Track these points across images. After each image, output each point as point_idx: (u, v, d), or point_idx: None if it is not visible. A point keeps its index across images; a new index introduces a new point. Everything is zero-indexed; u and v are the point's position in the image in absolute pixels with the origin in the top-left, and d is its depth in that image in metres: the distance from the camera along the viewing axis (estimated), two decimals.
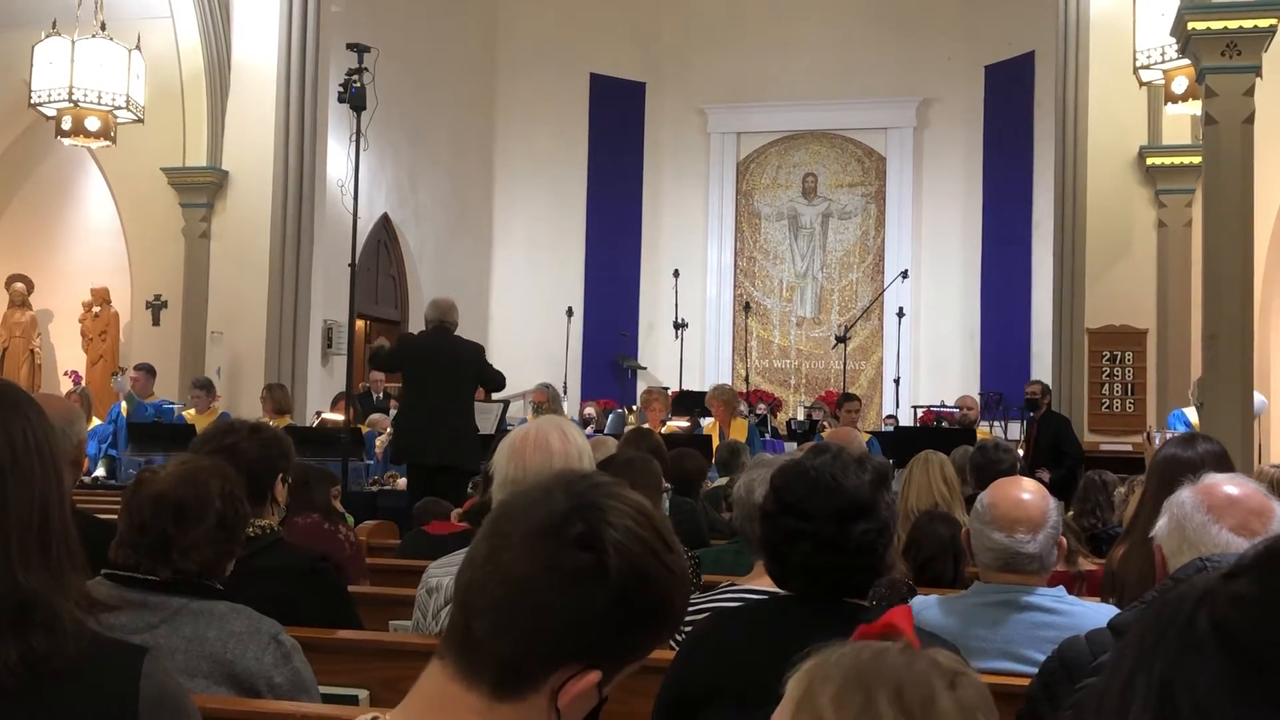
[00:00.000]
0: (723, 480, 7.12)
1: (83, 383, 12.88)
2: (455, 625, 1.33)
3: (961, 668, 1.16)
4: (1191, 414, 10.07)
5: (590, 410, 14.00)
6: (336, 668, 3.05)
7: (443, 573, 3.15)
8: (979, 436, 9.99)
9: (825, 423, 12.74)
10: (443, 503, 6.30)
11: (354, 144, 9.16)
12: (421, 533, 5.35)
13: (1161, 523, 2.51)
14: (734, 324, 17.90)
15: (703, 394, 12.07)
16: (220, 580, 2.51)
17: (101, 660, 1.56)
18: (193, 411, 11.00)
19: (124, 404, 10.94)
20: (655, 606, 1.32)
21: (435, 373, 8.22)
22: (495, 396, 10.06)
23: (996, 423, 14.13)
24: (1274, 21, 7.75)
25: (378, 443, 10.90)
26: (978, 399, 11.04)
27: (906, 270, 16.23)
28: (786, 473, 2.43)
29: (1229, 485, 2.48)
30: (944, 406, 14.83)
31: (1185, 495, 2.48)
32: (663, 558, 1.32)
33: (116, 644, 1.63)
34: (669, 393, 12.79)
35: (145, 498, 2.46)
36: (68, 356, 13.79)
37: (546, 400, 11.01)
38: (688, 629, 2.57)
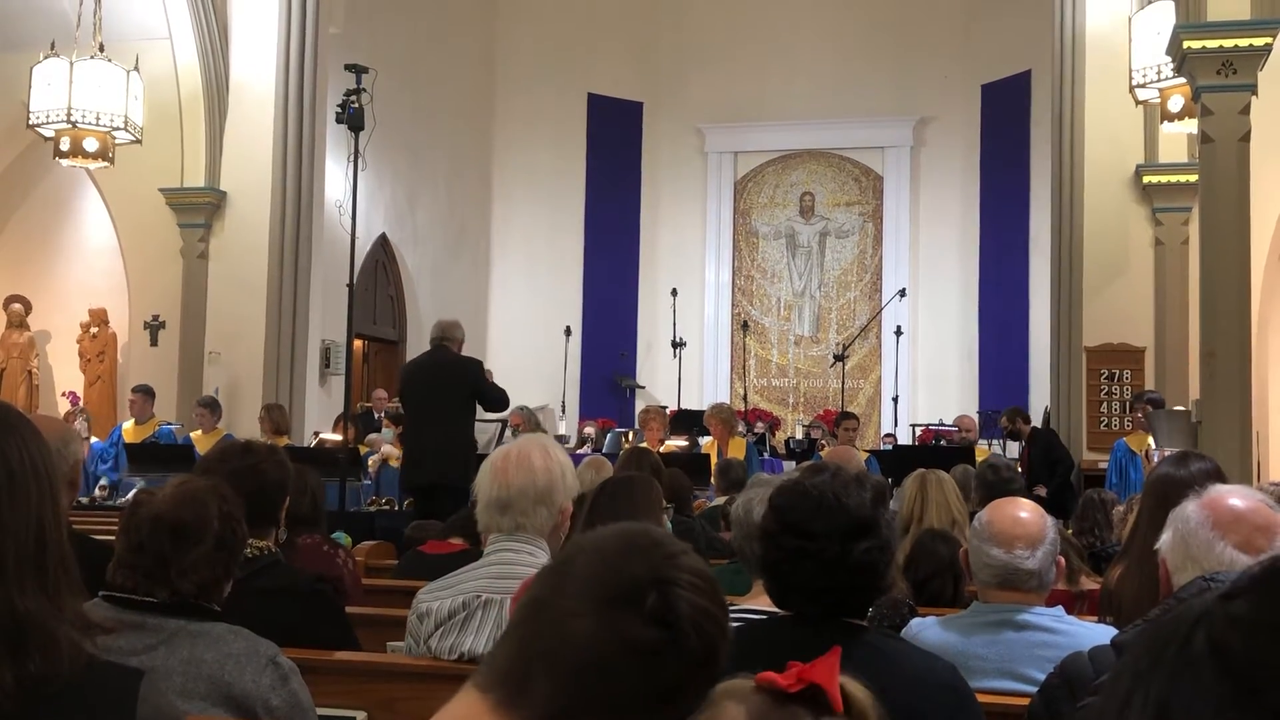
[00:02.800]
0: (721, 499, 7.11)
1: (80, 403, 12.87)
2: (511, 669, 1.30)
3: None
4: (1132, 442, 10.10)
5: (590, 430, 14.00)
6: (334, 689, 3.04)
7: (432, 598, 3.13)
8: (978, 455, 9.99)
9: (824, 441, 12.73)
10: (431, 525, 6.26)
11: (352, 164, 9.19)
12: (418, 553, 5.32)
13: (1166, 536, 2.47)
14: (732, 343, 17.91)
15: (701, 413, 12.07)
16: (218, 601, 2.50)
17: (99, 683, 1.55)
18: (199, 432, 10.99)
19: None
20: (714, 675, 1.32)
21: (429, 391, 8.21)
22: (495, 415, 10.03)
23: (995, 441, 14.13)
24: (1269, 40, 7.78)
25: (371, 462, 10.88)
26: (976, 418, 11.06)
27: (904, 289, 16.26)
28: (787, 492, 2.42)
29: (1235, 498, 2.43)
30: (943, 425, 14.82)
31: (1190, 509, 2.43)
32: (726, 628, 1.33)
33: (113, 667, 1.63)
34: (667, 412, 12.79)
35: (143, 518, 2.45)
36: (65, 377, 13.78)
37: (523, 423, 11.04)
38: None
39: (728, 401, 14.42)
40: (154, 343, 12.67)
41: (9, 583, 1.48)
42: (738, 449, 10.15)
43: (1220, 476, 3.35)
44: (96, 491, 10.27)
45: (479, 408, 8.42)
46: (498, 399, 8.45)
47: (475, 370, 8.50)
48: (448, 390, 8.23)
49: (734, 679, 1.28)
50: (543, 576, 1.36)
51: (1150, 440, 10.00)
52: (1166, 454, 4.90)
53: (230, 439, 3.85)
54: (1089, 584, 4.57)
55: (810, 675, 1.22)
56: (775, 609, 2.62)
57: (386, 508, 9.79)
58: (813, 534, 2.31)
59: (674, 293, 16.79)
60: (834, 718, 1.22)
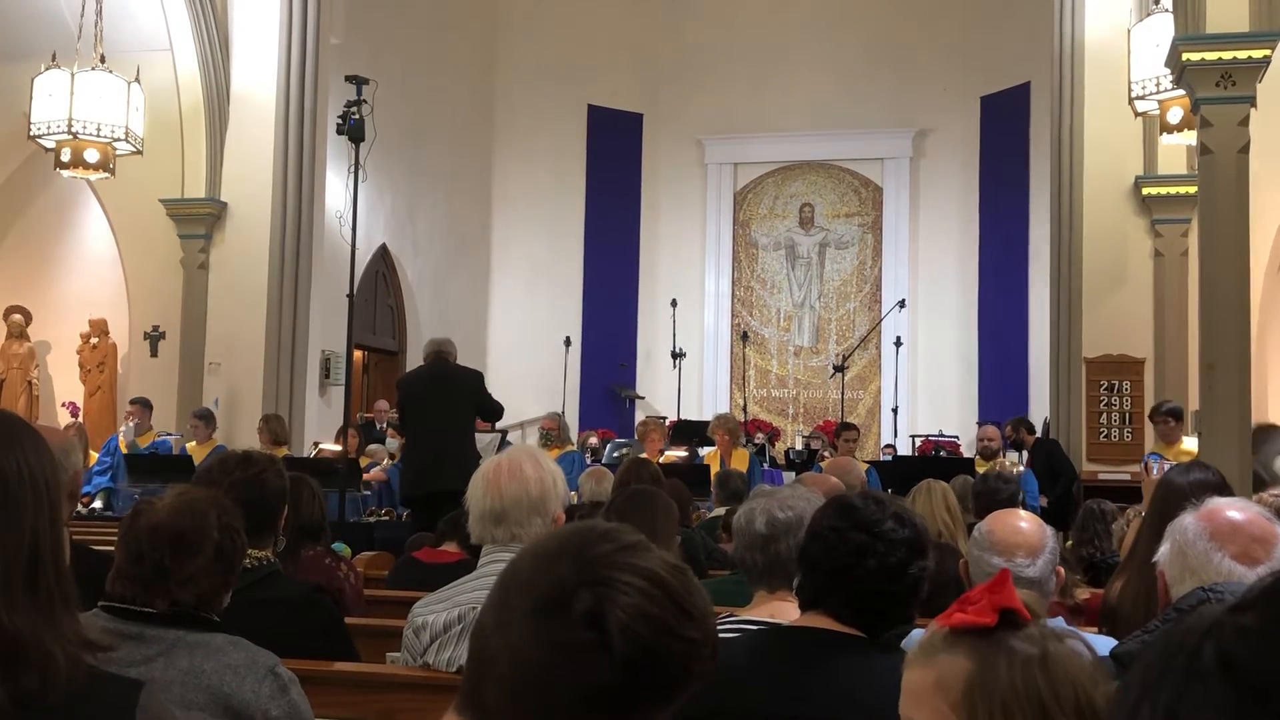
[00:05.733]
0: (720, 510, 7.09)
1: (79, 415, 12.85)
2: (471, 687, 1.31)
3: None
4: (1165, 452, 10.06)
5: (593, 440, 13.99)
6: (333, 700, 3.04)
7: (428, 611, 3.11)
8: (982, 466, 9.97)
9: (824, 452, 12.72)
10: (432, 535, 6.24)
11: (352, 175, 9.19)
12: (412, 560, 5.27)
13: (1164, 549, 2.49)
14: (731, 353, 17.92)
15: (701, 424, 12.05)
16: (217, 612, 2.50)
17: (98, 695, 1.54)
18: (194, 443, 10.98)
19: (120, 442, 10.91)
20: (670, 680, 1.27)
21: (433, 403, 8.23)
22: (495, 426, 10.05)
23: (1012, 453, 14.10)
24: (1268, 52, 7.78)
25: (372, 473, 10.86)
26: (999, 430, 11.00)
27: (904, 300, 16.26)
28: (856, 498, 2.52)
29: (1232, 510, 2.44)
30: (942, 435, 14.81)
31: (1188, 521, 2.44)
32: (678, 631, 1.26)
33: (113, 678, 1.62)
34: (666, 423, 12.77)
35: (142, 528, 2.45)
36: (65, 388, 13.76)
37: (556, 428, 11.09)
38: None
39: (729, 412, 14.41)
40: (154, 353, 12.66)
41: None
42: (741, 460, 10.13)
43: (1225, 488, 3.35)
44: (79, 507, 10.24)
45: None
46: (496, 410, 8.57)
47: (478, 380, 8.57)
48: (453, 401, 8.26)
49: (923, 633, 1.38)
50: (494, 586, 1.35)
51: (1183, 444, 9.90)
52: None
53: (222, 450, 3.83)
54: (1082, 595, 4.55)
55: (1002, 601, 1.30)
56: (775, 619, 2.62)
57: (386, 518, 9.78)
58: (883, 536, 2.39)
59: (673, 303, 16.80)
60: (1025, 628, 1.32)
